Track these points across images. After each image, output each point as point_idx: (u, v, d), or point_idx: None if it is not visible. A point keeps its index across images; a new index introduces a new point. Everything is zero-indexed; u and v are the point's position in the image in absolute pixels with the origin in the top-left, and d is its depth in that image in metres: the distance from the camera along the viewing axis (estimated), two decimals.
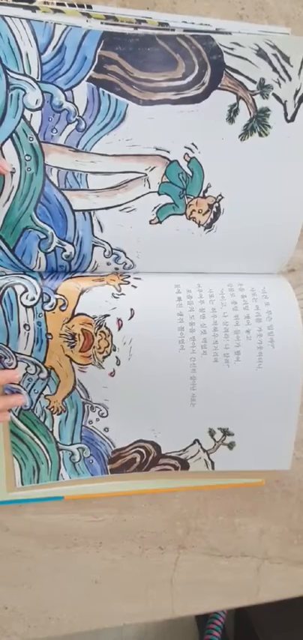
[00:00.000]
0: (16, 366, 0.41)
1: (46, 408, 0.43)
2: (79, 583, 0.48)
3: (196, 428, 0.44)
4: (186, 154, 0.39)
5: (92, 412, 0.44)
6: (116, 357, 0.40)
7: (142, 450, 0.45)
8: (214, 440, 0.45)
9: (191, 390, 0.42)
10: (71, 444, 0.45)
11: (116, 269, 0.42)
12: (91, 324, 0.40)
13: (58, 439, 0.45)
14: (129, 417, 0.44)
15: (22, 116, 0.36)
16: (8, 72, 0.35)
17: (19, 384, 0.42)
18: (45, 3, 0.36)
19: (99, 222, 0.40)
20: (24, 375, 0.42)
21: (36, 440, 0.44)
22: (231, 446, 0.45)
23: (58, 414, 0.44)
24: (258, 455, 0.46)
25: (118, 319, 0.40)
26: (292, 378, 0.43)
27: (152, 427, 0.44)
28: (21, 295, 0.39)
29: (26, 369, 0.41)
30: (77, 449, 0.45)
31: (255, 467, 0.47)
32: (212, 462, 0.46)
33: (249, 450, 0.46)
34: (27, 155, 0.37)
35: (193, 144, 0.39)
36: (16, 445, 0.44)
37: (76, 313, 0.40)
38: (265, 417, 0.44)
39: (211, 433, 0.44)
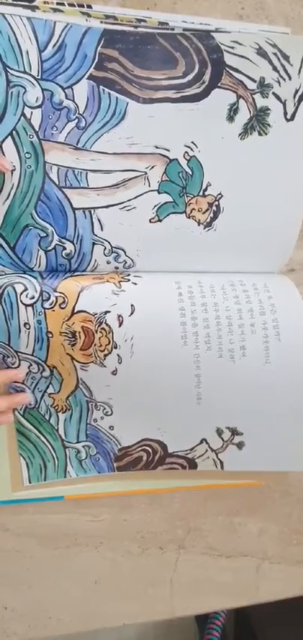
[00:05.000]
0: (19, 365, 0.41)
1: (51, 406, 0.43)
2: (79, 583, 0.48)
3: (203, 427, 0.43)
4: (186, 152, 0.40)
5: (97, 411, 0.43)
6: (118, 355, 0.40)
7: (148, 448, 0.45)
8: (223, 439, 0.43)
9: (196, 388, 0.41)
10: (77, 442, 0.45)
11: (116, 268, 0.42)
12: (91, 321, 0.39)
13: (63, 437, 0.44)
14: (134, 416, 0.43)
15: (23, 114, 0.36)
16: (8, 69, 0.35)
17: (23, 383, 0.42)
18: (45, 3, 0.36)
19: (99, 221, 0.40)
20: (27, 373, 0.42)
21: (42, 438, 0.44)
22: (240, 446, 0.44)
23: (62, 413, 0.44)
24: (270, 455, 0.44)
25: (119, 316, 0.39)
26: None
27: (158, 426, 0.44)
28: (21, 294, 0.39)
29: (29, 367, 0.41)
30: (83, 447, 0.45)
31: (267, 467, 0.45)
32: (221, 462, 0.45)
33: (260, 450, 0.44)
34: (27, 153, 0.37)
35: (192, 142, 0.39)
36: (22, 444, 0.44)
37: (76, 311, 0.39)
38: (276, 416, 0.42)
39: (219, 432, 0.43)
